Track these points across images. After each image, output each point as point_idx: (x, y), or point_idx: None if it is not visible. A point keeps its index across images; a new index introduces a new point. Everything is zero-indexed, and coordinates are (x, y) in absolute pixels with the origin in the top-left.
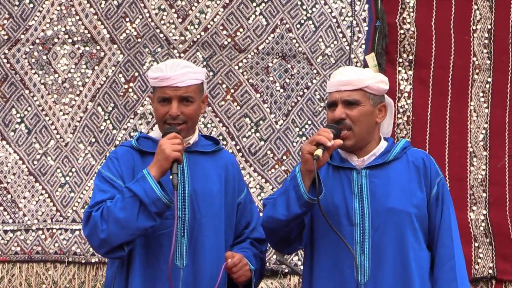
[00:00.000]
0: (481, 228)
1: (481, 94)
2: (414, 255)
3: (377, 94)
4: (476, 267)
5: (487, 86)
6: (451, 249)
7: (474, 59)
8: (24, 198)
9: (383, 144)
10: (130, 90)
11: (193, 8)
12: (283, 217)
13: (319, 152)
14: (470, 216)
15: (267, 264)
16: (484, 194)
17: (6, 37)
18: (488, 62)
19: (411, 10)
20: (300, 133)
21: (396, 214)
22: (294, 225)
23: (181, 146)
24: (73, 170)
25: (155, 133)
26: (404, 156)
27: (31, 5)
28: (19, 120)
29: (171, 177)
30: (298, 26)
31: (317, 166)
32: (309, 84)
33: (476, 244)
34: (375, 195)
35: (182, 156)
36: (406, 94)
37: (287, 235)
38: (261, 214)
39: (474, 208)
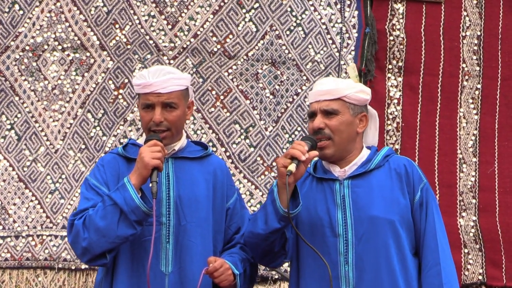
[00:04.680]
0: (471, 234)
1: (470, 101)
2: (399, 262)
3: (357, 104)
4: (466, 273)
5: (477, 92)
6: (437, 254)
7: (464, 65)
8: (14, 204)
9: (365, 153)
10: (120, 96)
11: (183, 14)
12: (262, 231)
13: (292, 167)
14: (459, 222)
15: None
16: (474, 200)
17: None
18: (478, 68)
19: (401, 16)
20: (290, 139)
21: (379, 223)
22: (275, 238)
23: (161, 153)
24: (63, 176)
25: (142, 140)
26: (387, 164)
27: (21, 12)
28: (9, 126)
29: (150, 185)
30: (288, 32)
31: (294, 179)
32: (299, 90)
33: (466, 250)
34: (358, 204)
35: (163, 164)
36: (395, 101)
37: (270, 249)
38: None
39: (463, 214)
